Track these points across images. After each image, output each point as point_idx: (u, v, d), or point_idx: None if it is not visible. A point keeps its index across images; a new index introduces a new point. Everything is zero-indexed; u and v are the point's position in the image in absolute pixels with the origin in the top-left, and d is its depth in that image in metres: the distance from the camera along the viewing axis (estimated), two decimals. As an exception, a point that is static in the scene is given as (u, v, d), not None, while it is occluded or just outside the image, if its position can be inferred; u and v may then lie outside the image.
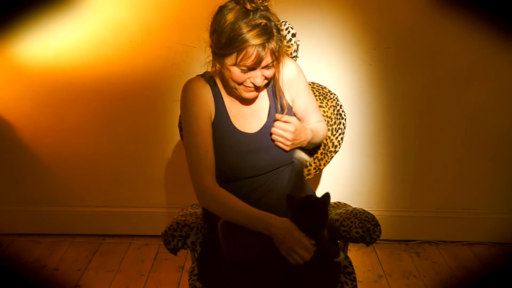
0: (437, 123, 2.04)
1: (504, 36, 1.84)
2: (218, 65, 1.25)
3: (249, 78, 1.20)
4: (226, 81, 1.26)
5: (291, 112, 1.38)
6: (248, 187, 1.30)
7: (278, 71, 1.30)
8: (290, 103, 1.38)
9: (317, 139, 1.42)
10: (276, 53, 1.19)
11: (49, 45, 1.97)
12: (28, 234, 2.32)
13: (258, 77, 1.20)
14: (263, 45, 1.14)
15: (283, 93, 1.35)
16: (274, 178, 1.32)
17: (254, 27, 1.13)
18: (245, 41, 1.13)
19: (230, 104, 1.33)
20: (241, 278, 1.17)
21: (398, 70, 1.96)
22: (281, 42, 1.20)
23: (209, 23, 1.22)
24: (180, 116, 1.46)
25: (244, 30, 1.13)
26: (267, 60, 1.17)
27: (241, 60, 1.15)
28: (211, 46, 1.23)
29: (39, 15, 1.89)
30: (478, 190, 2.15)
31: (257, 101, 1.35)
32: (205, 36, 1.90)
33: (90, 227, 2.30)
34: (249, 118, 1.33)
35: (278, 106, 1.35)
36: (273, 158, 1.32)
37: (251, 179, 1.31)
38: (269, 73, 1.22)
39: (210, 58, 1.26)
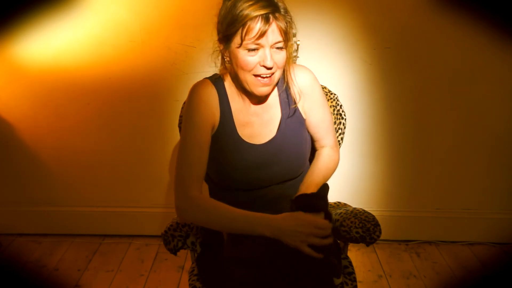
0: (437, 123, 2.04)
1: (503, 37, 1.84)
2: (227, 58, 1.19)
3: (258, 62, 1.14)
4: (237, 76, 1.19)
5: (303, 126, 1.31)
6: (249, 197, 1.27)
7: (291, 78, 1.25)
8: (304, 116, 1.31)
9: (327, 178, 1.35)
10: (288, 34, 1.14)
11: (49, 45, 1.97)
12: (28, 234, 2.32)
13: (267, 57, 1.12)
14: (266, 17, 1.10)
15: (297, 101, 1.29)
16: (278, 190, 1.28)
17: (256, 1, 1.10)
18: (247, 14, 1.10)
19: (238, 112, 1.27)
20: (242, 277, 1.17)
21: (398, 70, 1.96)
22: (290, 24, 1.16)
23: (215, 22, 1.19)
24: (180, 116, 1.46)
25: (246, 5, 1.10)
26: (275, 36, 1.12)
27: (245, 36, 1.11)
28: (218, 40, 1.19)
29: (39, 15, 1.89)
30: (478, 190, 2.14)
31: (268, 110, 1.28)
32: (205, 37, 1.90)
33: (90, 227, 2.30)
34: (257, 128, 1.27)
35: (291, 103, 1.28)
36: (278, 172, 1.26)
37: (254, 191, 1.27)
38: (279, 58, 1.15)
39: (221, 61, 1.23)
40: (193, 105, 1.24)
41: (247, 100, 1.27)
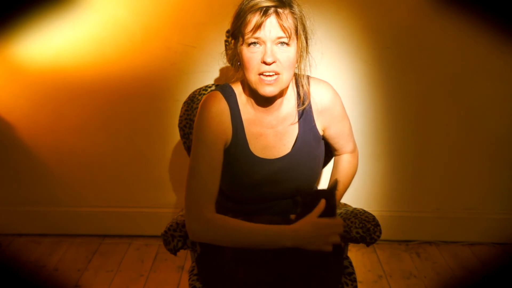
0: (437, 123, 2.04)
1: (503, 37, 1.84)
2: (238, 62, 1.17)
3: (260, 59, 1.10)
4: (246, 77, 1.15)
5: (319, 143, 1.29)
6: (256, 208, 1.26)
7: (309, 97, 1.21)
8: (321, 132, 1.28)
9: (348, 185, 1.36)
10: (296, 31, 1.10)
11: (49, 45, 1.97)
12: (28, 234, 2.32)
13: (266, 52, 1.09)
14: (265, 10, 1.07)
15: (314, 121, 1.25)
16: (287, 204, 1.27)
17: None
18: (250, 7, 1.08)
19: (251, 123, 1.23)
20: (243, 277, 1.17)
21: (398, 70, 1.96)
22: (301, 22, 1.12)
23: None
24: (180, 116, 1.46)
25: (253, 2, 1.09)
26: (275, 30, 1.08)
27: (244, 29, 1.10)
28: (229, 38, 1.17)
29: (39, 15, 1.89)
30: (478, 190, 2.14)
31: (283, 122, 1.24)
32: (205, 37, 1.90)
33: (90, 227, 2.30)
34: (271, 141, 1.24)
35: (310, 119, 1.25)
36: (289, 189, 1.25)
37: (262, 204, 1.26)
38: (284, 56, 1.11)
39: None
40: (203, 123, 1.19)
41: (259, 110, 1.23)
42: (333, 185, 1.19)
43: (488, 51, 1.90)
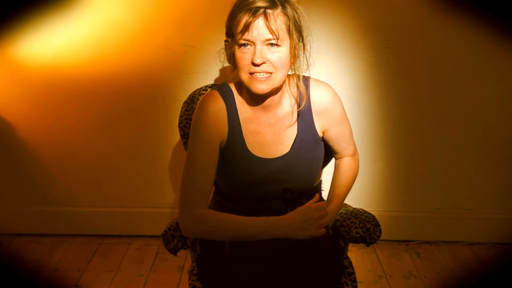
0: (437, 123, 2.04)
1: (505, 36, 1.84)
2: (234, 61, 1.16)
3: (251, 60, 1.11)
4: (239, 76, 1.15)
5: (318, 144, 1.29)
6: (255, 208, 1.26)
7: (304, 97, 1.21)
8: (320, 134, 1.28)
9: (349, 188, 1.36)
10: (280, 31, 1.09)
11: (49, 45, 1.97)
12: (28, 234, 2.32)
13: (255, 53, 1.09)
14: (254, 11, 1.07)
15: (313, 122, 1.25)
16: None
17: None
18: (241, 7, 1.09)
19: (249, 121, 1.23)
20: (243, 275, 1.17)
21: (398, 70, 1.96)
22: (294, 23, 1.12)
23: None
24: (180, 116, 1.46)
25: (242, 3, 1.09)
26: (263, 31, 1.08)
27: (235, 29, 1.10)
28: (226, 37, 1.17)
29: (39, 15, 1.89)
30: (478, 190, 2.14)
31: (282, 122, 1.24)
32: (205, 37, 1.91)
33: (90, 227, 2.30)
34: (269, 139, 1.24)
35: (309, 120, 1.25)
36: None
37: (260, 203, 1.27)
38: (274, 57, 1.11)
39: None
40: (200, 122, 1.20)
41: (257, 109, 1.23)
42: (318, 183, 1.25)
43: (490, 51, 1.90)
